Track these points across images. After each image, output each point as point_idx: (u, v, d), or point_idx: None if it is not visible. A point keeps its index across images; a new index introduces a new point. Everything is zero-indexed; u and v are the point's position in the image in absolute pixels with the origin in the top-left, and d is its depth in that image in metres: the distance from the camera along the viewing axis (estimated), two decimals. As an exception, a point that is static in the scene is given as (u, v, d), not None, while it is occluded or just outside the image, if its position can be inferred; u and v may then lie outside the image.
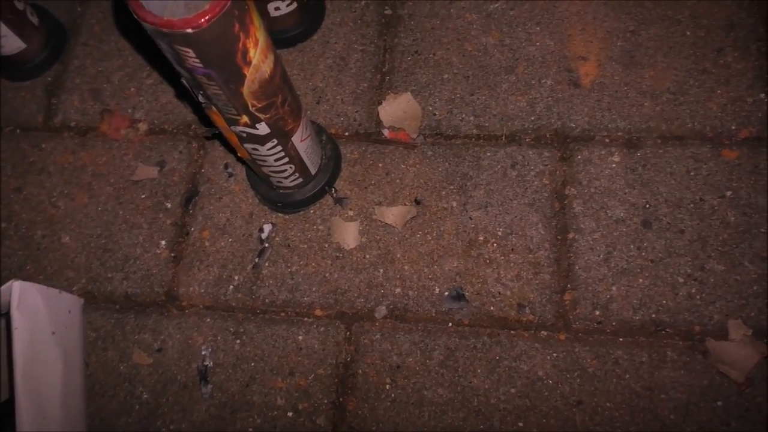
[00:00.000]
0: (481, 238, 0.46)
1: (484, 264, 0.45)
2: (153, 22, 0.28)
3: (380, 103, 0.50)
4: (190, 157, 0.52)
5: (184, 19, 0.28)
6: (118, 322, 0.48)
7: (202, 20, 0.28)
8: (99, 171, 0.52)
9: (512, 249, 0.45)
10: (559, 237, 0.45)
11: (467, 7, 0.52)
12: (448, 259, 0.46)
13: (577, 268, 0.44)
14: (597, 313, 0.43)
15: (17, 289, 0.40)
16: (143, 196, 0.51)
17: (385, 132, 0.50)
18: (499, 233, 0.46)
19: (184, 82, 0.34)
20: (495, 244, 0.46)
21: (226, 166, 0.51)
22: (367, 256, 0.47)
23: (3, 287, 0.40)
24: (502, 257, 0.45)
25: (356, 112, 0.51)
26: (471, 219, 0.46)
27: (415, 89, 0.50)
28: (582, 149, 0.47)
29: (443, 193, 0.47)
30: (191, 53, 0.30)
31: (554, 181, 0.46)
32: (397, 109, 0.50)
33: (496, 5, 0.51)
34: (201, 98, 0.34)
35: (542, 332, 0.43)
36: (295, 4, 0.50)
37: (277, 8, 0.49)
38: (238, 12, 0.29)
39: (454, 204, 0.47)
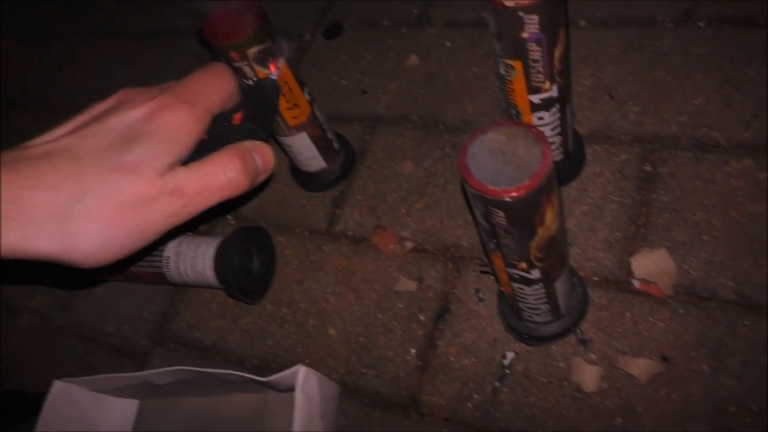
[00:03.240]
0: (733, 409, 0.45)
1: (735, 437, 0.44)
2: (479, 189, 0.34)
3: (633, 255, 0.52)
4: (446, 277, 0.58)
5: (506, 189, 0.34)
6: (367, 415, 0.54)
7: (522, 192, 0.33)
8: (367, 277, 0.61)
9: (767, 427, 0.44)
10: (826, 426, 0.42)
11: (734, 173, 0.53)
12: (694, 423, 0.45)
13: None
14: None
15: (303, 372, 0.48)
16: (401, 306, 0.58)
17: (636, 283, 0.51)
18: (754, 408, 0.44)
19: (481, 230, 0.40)
20: (749, 419, 0.44)
21: (477, 291, 0.56)
22: (607, 403, 0.48)
23: (291, 370, 0.48)
24: (756, 434, 0.44)
25: (607, 259, 0.53)
26: (723, 387, 0.46)
27: (671, 246, 0.52)
28: None
29: (693, 354, 0.47)
30: (501, 214, 0.35)
31: (823, 365, 0.44)
32: (650, 263, 0.51)
33: (767, 174, 0.52)
34: (491, 245, 0.40)
35: None
36: (561, 156, 0.55)
37: (544, 158, 0.55)
38: (548, 185, 0.34)
39: (705, 368, 0.47)
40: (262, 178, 0.39)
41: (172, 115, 0.35)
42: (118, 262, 0.35)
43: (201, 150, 0.37)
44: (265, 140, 0.41)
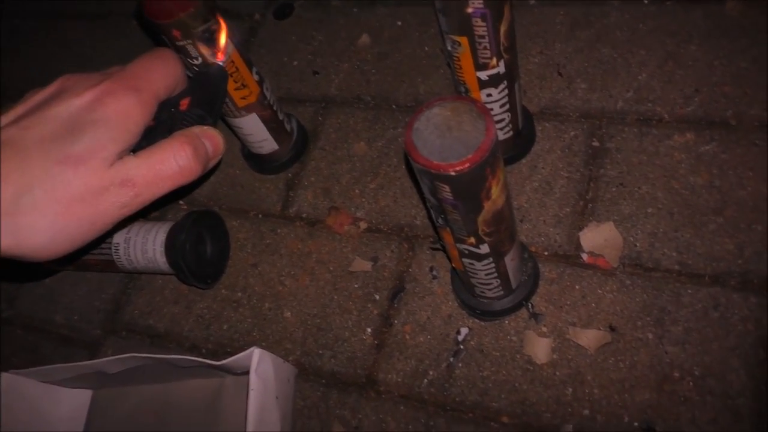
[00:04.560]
0: (677, 375, 0.46)
1: (678, 402, 0.45)
2: (424, 164, 0.34)
3: (581, 229, 0.53)
4: (400, 256, 0.58)
5: (451, 163, 0.34)
6: (323, 395, 0.54)
7: (466, 166, 0.34)
8: (321, 259, 0.60)
9: (710, 391, 0.45)
10: (762, 388, 0.44)
11: (677, 146, 0.54)
12: (639, 390, 0.47)
13: (781, 422, 0.43)
14: (803, 475, 0.41)
15: (257, 355, 0.48)
16: (356, 286, 0.58)
17: (584, 257, 0.53)
18: (696, 373, 0.46)
19: (429, 205, 0.40)
20: (691, 383, 0.46)
21: (431, 269, 0.56)
22: (558, 374, 0.49)
23: (246, 352, 0.48)
24: (698, 398, 0.45)
25: (557, 234, 0.54)
26: (667, 353, 0.47)
27: (617, 219, 0.53)
28: (794, 300, 0.46)
29: (639, 323, 0.49)
30: (447, 188, 0.36)
31: (760, 329, 0.46)
32: (598, 236, 0.53)
33: (708, 148, 0.53)
34: (440, 221, 0.40)
35: (738, 484, 0.42)
36: (511, 133, 0.55)
37: (494, 135, 0.55)
38: (492, 159, 0.35)
39: (650, 336, 0.48)
40: (212, 163, 0.39)
41: (118, 102, 0.34)
42: (70, 254, 0.35)
43: (148, 137, 0.36)
44: (214, 126, 0.40)
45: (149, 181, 0.35)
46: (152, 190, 0.35)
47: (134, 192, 0.34)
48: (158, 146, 0.36)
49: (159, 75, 0.37)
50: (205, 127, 0.39)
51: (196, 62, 0.51)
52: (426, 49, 0.69)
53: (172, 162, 0.35)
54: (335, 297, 0.58)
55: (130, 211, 0.35)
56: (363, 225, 0.61)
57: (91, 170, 0.33)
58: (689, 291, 0.49)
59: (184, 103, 0.40)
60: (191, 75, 0.41)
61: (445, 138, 0.38)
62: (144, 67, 0.37)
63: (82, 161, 0.32)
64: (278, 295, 0.60)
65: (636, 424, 0.46)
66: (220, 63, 0.45)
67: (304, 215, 0.64)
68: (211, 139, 0.38)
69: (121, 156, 0.34)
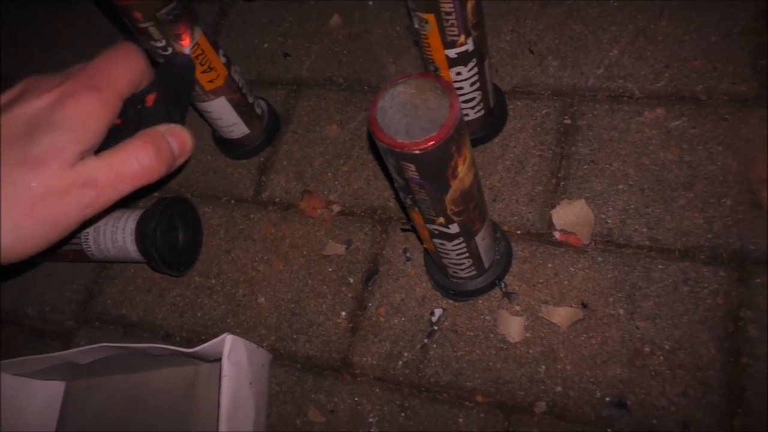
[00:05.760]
0: (648, 349, 0.47)
1: (649, 376, 0.46)
2: (388, 143, 0.34)
3: (554, 207, 0.53)
4: (374, 239, 0.58)
5: (415, 141, 0.33)
6: (299, 380, 0.54)
7: (430, 144, 0.33)
8: (295, 243, 0.60)
9: (680, 364, 0.46)
10: (731, 359, 0.45)
11: (647, 122, 0.54)
12: (611, 365, 0.47)
13: (749, 394, 0.43)
14: (770, 444, 0.42)
15: (229, 342, 0.47)
16: (330, 270, 0.58)
17: (556, 234, 0.53)
18: (667, 347, 0.46)
19: (396, 185, 0.40)
20: (661, 357, 0.46)
21: (405, 251, 0.56)
22: (531, 352, 0.49)
23: (218, 339, 0.47)
24: (669, 371, 0.46)
25: (530, 212, 0.54)
26: (638, 329, 0.47)
27: (589, 197, 0.53)
28: (761, 273, 0.46)
29: (611, 299, 0.49)
30: (412, 168, 0.35)
31: (729, 302, 0.46)
32: (570, 214, 0.53)
33: (678, 123, 0.53)
34: (408, 201, 0.40)
35: (708, 455, 0.43)
36: (482, 112, 0.55)
37: (465, 114, 0.55)
38: (457, 137, 0.34)
39: (621, 312, 0.48)
40: (179, 162, 0.39)
41: (78, 103, 0.34)
42: (38, 254, 0.35)
43: (114, 136, 0.36)
44: (182, 122, 0.40)
45: (111, 182, 0.35)
46: (114, 190, 0.35)
47: (96, 192, 0.34)
48: (120, 146, 0.36)
49: (121, 71, 0.37)
50: (172, 125, 0.38)
51: (159, 45, 0.50)
52: (398, 29, 0.68)
53: (134, 162, 0.35)
54: (309, 281, 0.58)
55: (93, 212, 0.35)
56: (336, 208, 0.60)
57: (52, 171, 0.33)
58: (660, 266, 0.49)
59: (150, 99, 0.39)
60: (157, 68, 0.40)
61: (411, 116, 0.38)
62: (105, 63, 0.37)
63: (42, 163, 0.32)
64: (252, 280, 0.60)
65: (608, 399, 0.46)
66: (186, 51, 0.44)
67: (276, 200, 0.63)
68: (178, 137, 0.38)
69: (83, 156, 0.34)
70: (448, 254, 0.46)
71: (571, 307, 0.49)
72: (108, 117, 0.35)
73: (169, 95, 0.40)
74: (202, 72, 0.55)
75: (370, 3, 0.72)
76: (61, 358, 0.52)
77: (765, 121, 0.51)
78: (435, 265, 0.52)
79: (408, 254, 0.56)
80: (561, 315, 0.49)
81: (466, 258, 0.47)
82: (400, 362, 0.52)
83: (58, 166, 0.33)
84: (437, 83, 0.35)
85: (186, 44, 0.51)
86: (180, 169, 0.43)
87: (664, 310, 0.47)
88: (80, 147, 0.34)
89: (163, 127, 0.38)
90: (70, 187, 0.33)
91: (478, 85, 0.52)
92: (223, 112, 0.60)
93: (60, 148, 0.33)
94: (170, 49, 0.51)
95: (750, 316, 0.45)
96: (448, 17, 0.45)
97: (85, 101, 0.34)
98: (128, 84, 0.37)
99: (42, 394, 0.59)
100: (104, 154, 0.35)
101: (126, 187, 0.36)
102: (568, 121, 0.57)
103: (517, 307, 0.51)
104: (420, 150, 0.33)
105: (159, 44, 0.50)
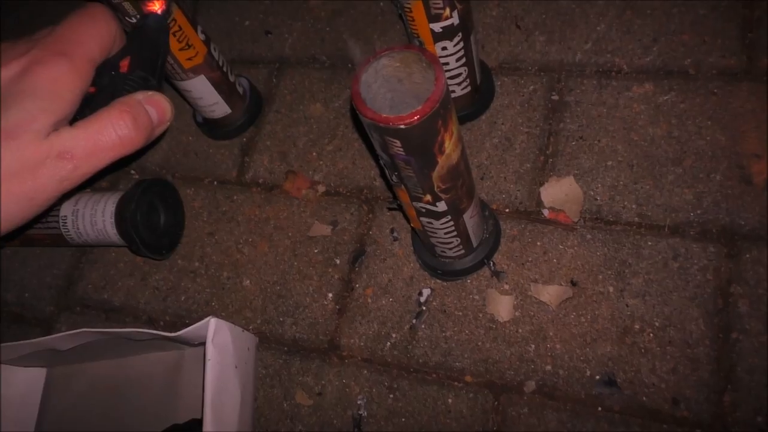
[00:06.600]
0: (637, 327, 0.46)
1: (639, 353, 0.45)
2: (372, 117, 0.33)
3: (542, 184, 0.53)
4: (360, 219, 0.57)
5: (400, 116, 0.32)
6: (285, 363, 0.53)
7: (415, 119, 0.32)
8: (280, 225, 0.59)
9: (669, 341, 0.45)
10: (721, 335, 0.44)
11: (636, 97, 0.53)
12: (601, 343, 0.47)
13: (739, 369, 0.43)
14: (759, 419, 0.42)
15: (213, 325, 0.46)
16: (316, 251, 0.57)
17: (545, 212, 0.52)
18: (657, 324, 0.46)
19: (382, 162, 0.39)
20: (651, 334, 0.46)
21: (392, 231, 0.55)
22: (520, 331, 0.49)
23: (202, 322, 0.46)
24: (659, 348, 0.45)
25: (518, 190, 0.53)
26: (627, 306, 0.47)
27: (577, 173, 0.52)
28: (751, 248, 0.46)
29: (600, 277, 0.48)
30: (398, 143, 0.34)
31: (719, 278, 0.46)
32: (558, 191, 0.52)
33: (666, 98, 0.52)
34: (394, 178, 0.39)
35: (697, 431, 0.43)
36: (469, 88, 0.54)
37: (452, 91, 0.54)
38: (443, 111, 0.33)
39: (611, 289, 0.48)
40: (159, 130, 0.37)
41: (47, 70, 0.32)
42: (13, 232, 0.33)
43: (89, 105, 0.34)
44: (159, 88, 0.38)
45: (88, 153, 0.33)
46: (92, 161, 0.33)
47: (73, 165, 0.32)
48: (97, 116, 0.33)
49: (90, 35, 0.35)
50: (150, 93, 0.36)
51: (134, 22, 0.48)
52: (381, 4, 0.67)
53: (111, 132, 0.33)
54: (295, 263, 0.57)
55: (71, 185, 0.33)
56: (321, 188, 0.59)
57: (24, 143, 0.31)
58: (649, 243, 0.48)
59: (125, 65, 0.37)
60: (128, 31, 0.39)
61: (395, 90, 0.37)
62: (73, 28, 0.35)
63: (13, 135, 0.30)
64: (237, 263, 0.58)
65: (597, 377, 0.46)
66: (157, 13, 0.42)
67: (260, 181, 0.62)
68: (156, 104, 0.36)
69: (56, 127, 0.32)
70: (435, 233, 0.45)
71: (561, 285, 0.49)
72: (80, 84, 0.33)
73: (143, 60, 0.38)
74: (180, 49, 0.53)
75: (354, -22, 0.70)
76: (41, 345, 0.51)
77: (754, 94, 0.51)
78: (423, 244, 0.51)
79: (395, 234, 0.55)
80: (550, 293, 0.49)
81: (454, 237, 0.46)
82: (389, 343, 0.51)
83: (30, 138, 0.31)
84: (422, 56, 0.34)
85: (158, 8, 0.49)
86: (159, 139, 0.41)
87: (653, 286, 0.47)
88: (53, 117, 0.32)
89: (140, 95, 0.36)
90: (44, 160, 0.31)
91: (464, 60, 0.50)
92: (203, 90, 0.58)
93: (31, 119, 0.31)
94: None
95: (740, 291, 0.45)
96: (434, -11, 0.43)
97: (54, 68, 0.32)
98: (99, 49, 0.35)
99: (23, 381, 0.57)
100: (79, 124, 0.33)
101: (104, 159, 0.33)
102: (555, 97, 0.56)
103: (506, 286, 0.50)
104: (405, 125, 0.32)
105: (134, 21, 0.49)
